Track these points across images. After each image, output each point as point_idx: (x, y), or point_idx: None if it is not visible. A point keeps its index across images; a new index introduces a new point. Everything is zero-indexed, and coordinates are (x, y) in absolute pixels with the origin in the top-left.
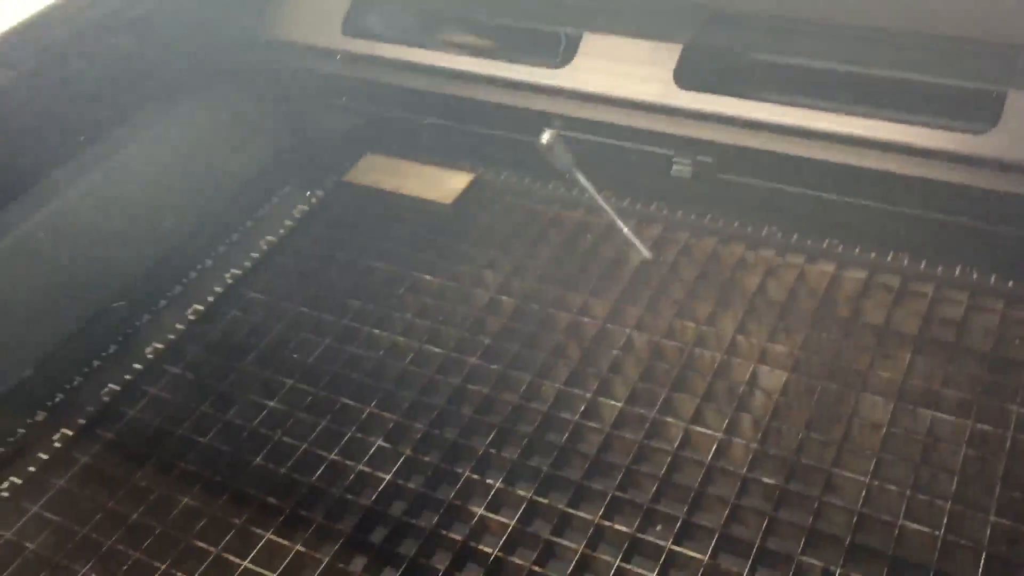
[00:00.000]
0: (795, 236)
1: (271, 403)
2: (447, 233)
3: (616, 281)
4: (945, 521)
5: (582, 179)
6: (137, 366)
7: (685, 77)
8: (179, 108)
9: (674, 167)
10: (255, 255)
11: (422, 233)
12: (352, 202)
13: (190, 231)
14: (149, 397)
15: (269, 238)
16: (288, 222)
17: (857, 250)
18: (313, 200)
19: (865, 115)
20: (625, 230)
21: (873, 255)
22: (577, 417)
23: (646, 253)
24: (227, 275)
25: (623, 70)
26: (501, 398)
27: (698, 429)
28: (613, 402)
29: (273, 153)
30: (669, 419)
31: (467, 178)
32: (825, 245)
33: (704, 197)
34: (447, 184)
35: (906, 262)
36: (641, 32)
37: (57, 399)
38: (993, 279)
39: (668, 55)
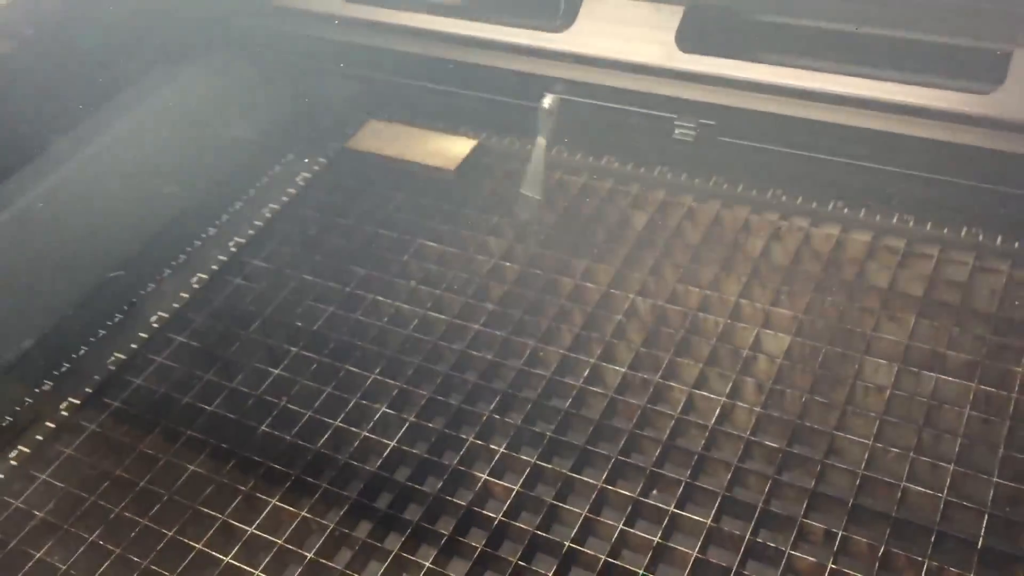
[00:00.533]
0: (799, 199)
1: (276, 370)
2: (450, 199)
3: (620, 246)
4: (948, 483)
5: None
6: (142, 335)
7: (687, 39)
8: (181, 76)
9: (676, 131)
10: (258, 223)
11: (425, 199)
12: (355, 169)
13: (193, 200)
14: (155, 365)
15: (272, 206)
16: (291, 190)
17: (862, 212)
18: (316, 167)
19: (869, 76)
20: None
21: (878, 217)
22: (581, 382)
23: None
24: (230, 243)
25: (624, 33)
26: (505, 364)
27: (701, 393)
28: (617, 367)
29: (275, 120)
30: (673, 384)
31: (470, 144)
32: (830, 208)
33: (707, 160)
34: (450, 150)
35: (911, 224)
36: None
37: (63, 368)
38: (999, 240)
39: (670, 17)
